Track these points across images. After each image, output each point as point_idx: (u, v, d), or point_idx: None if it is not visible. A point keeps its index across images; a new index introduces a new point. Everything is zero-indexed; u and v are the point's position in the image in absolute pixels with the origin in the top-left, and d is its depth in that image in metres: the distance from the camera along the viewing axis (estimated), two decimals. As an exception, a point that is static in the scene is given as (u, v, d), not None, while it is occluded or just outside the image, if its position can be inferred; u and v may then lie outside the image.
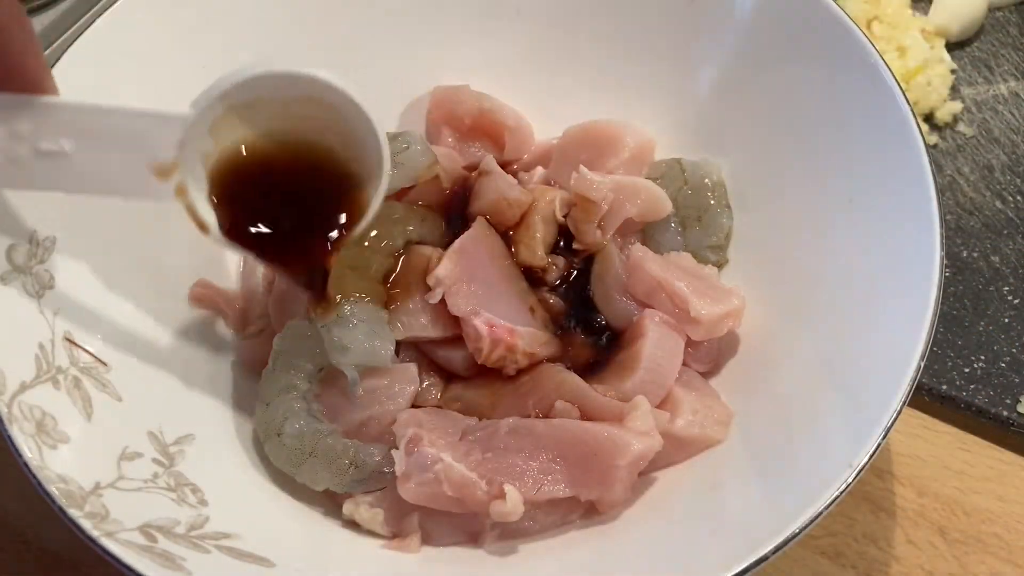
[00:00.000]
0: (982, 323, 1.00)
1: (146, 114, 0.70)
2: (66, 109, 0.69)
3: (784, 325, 0.86)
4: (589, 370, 0.87)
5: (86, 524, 0.67)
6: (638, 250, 0.88)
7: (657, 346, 0.83)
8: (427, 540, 0.80)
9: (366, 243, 0.85)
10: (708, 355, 0.88)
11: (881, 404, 0.70)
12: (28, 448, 0.69)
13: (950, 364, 0.98)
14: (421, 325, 0.84)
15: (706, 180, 0.95)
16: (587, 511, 0.80)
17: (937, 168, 1.11)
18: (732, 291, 0.87)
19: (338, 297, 0.82)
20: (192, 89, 0.91)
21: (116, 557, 0.65)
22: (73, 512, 0.67)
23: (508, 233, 0.90)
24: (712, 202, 0.94)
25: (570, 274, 0.92)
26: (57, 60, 0.86)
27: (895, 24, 1.16)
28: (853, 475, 0.67)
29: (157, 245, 0.90)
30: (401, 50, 1.02)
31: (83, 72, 0.87)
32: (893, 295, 0.77)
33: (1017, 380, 0.96)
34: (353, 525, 0.81)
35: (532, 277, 0.90)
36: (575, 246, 0.91)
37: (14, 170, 0.70)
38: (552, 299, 0.90)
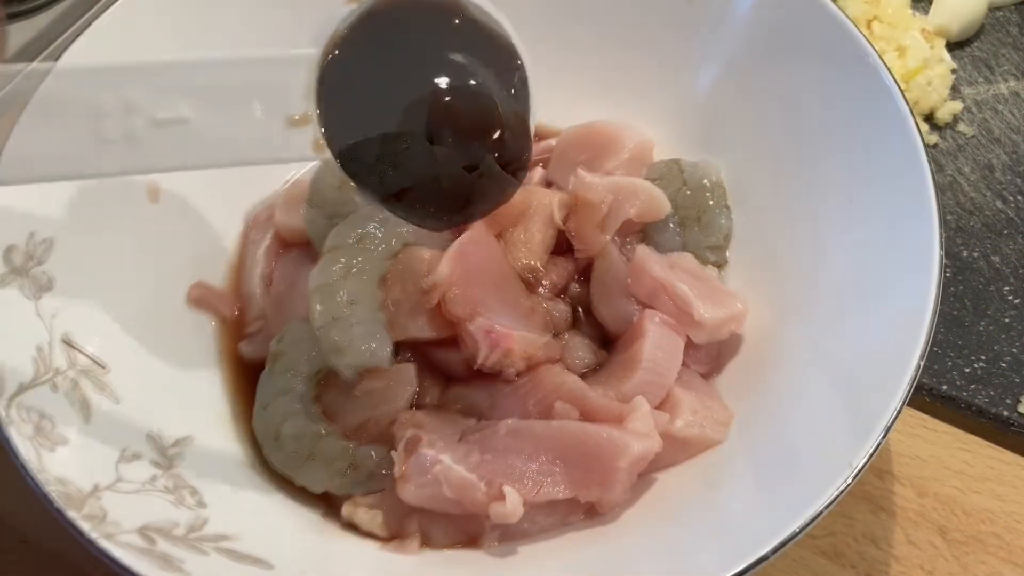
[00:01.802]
0: (982, 323, 1.00)
1: (266, 59, 0.63)
2: (179, 67, 0.63)
3: (784, 325, 0.86)
4: (589, 371, 0.87)
5: (84, 526, 0.67)
6: (641, 251, 0.88)
7: (657, 347, 0.83)
8: (426, 542, 0.79)
9: (363, 244, 0.85)
10: (708, 356, 0.88)
11: (881, 404, 0.70)
12: (26, 450, 0.69)
13: (950, 364, 0.98)
14: (419, 327, 0.84)
15: (705, 181, 0.95)
16: (587, 512, 0.80)
17: (937, 168, 1.11)
18: (735, 295, 0.87)
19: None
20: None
21: (115, 559, 0.65)
22: (71, 514, 0.67)
23: (506, 234, 0.90)
24: (711, 203, 0.94)
25: (569, 276, 0.91)
26: (57, 60, 0.86)
27: (895, 24, 1.16)
28: (853, 475, 0.67)
29: (155, 247, 0.91)
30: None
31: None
32: (892, 295, 0.77)
33: (1017, 380, 0.96)
34: (352, 527, 0.81)
35: (530, 279, 0.90)
36: (576, 248, 0.91)
37: (133, 149, 0.63)
38: (551, 301, 0.90)
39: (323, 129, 0.66)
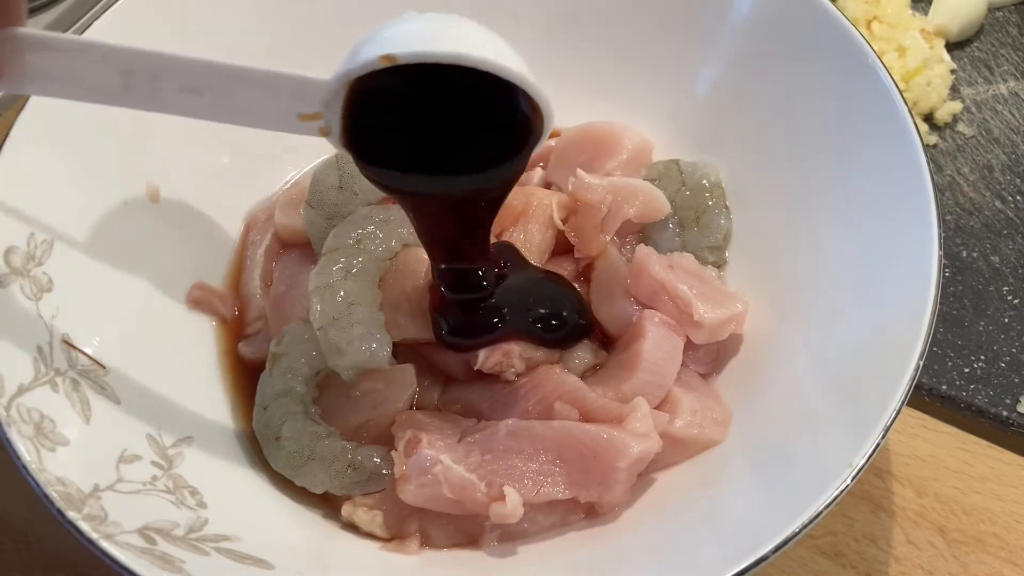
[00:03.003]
0: (982, 323, 1.00)
1: (286, 78, 0.67)
2: (203, 68, 0.67)
3: (783, 325, 0.86)
4: (589, 371, 0.87)
5: (85, 527, 0.67)
6: (641, 251, 0.88)
7: (656, 347, 0.83)
8: (426, 542, 0.80)
9: (363, 245, 0.85)
10: (708, 356, 0.88)
11: (880, 404, 0.70)
12: (27, 451, 0.69)
13: (950, 364, 0.98)
14: (418, 327, 0.84)
15: (704, 181, 0.95)
16: (587, 512, 0.80)
17: (937, 168, 1.11)
18: (735, 295, 0.87)
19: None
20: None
21: (115, 559, 0.65)
22: (72, 515, 0.67)
23: (505, 234, 0.90)
24: (711, 203, 0.94)
25: (569, 276, 0.91)
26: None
27: (895, 24, 1.16)
28: (852, 475, 0.67)
29: (155, 247, 0.91)
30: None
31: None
32: (891, 294, 0.77)
33: (1017, 380, 0.96)
34: (352, 527, 0.81)
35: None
36: (575, 249, 0.91)
37: (154, 101, 0.69)
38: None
39: (343, 135, 0.68)
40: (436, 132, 0.67)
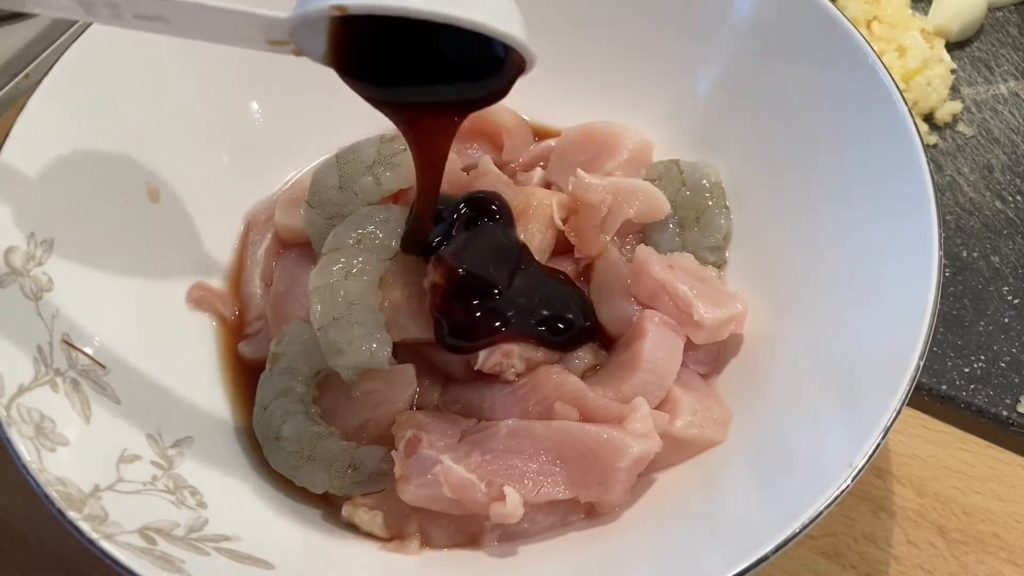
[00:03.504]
0: (982, 323, 1.00)
1: (247, 15, 0.67)
2: (161, 4, 0.68)
3: (783, 326, 0.86)
4: (589, 371, 0.87)
5: (85, 527, 0.67)
6: (642, 251, 0.88)
7: (657, 347, 0.83)
8: (426, 542, 0.80)
9: (363, 245, 0.85)
10: (708, 356, 0.88)
11: (880, 404, 0.70)
12: (27, 451, 0.69)
13: (950, 364, 0.98)
14: (419, 327, 0.84)
15: (704, 181, 0.95)
16: (587, 512, 0.80)
17: (937, 168, 1.11)
18: (735, 295, 0.87)
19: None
20: (191, 88, 0.91)
21: (115, 559, 0.65)
22: (72, 515, 0.67)
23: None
24: (711, 203, 0.94)
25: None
26: (57, 61, 0.87)
27: (895, 24, 1.17)
28: (852, 475, 0.67)
29: (155, 247, 0.91)
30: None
31: (83, 71, 0.87)
32: (892, 295, 0.77)
33: (1017, 380, 0.96)
34: (352, 527, 0.81)
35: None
36: (576, 249, 0.91)
37: (118, 21, 0.70)
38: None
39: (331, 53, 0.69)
40: (412, 52, 0.68)
